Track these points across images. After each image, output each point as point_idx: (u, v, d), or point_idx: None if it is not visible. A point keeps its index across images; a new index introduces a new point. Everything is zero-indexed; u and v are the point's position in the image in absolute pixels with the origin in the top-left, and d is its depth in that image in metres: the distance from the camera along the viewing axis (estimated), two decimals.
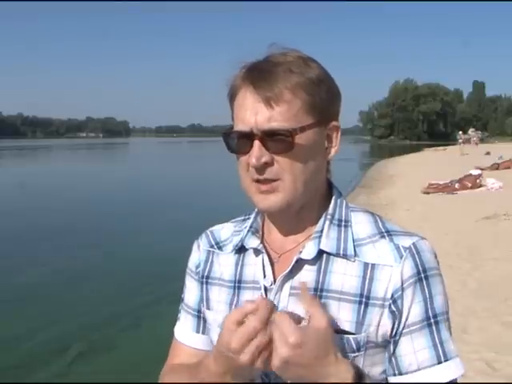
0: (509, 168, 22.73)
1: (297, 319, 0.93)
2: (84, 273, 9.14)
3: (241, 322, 0.91)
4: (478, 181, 16.77)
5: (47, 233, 12.73)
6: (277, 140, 0.97)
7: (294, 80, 0.98)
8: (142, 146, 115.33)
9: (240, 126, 0.99)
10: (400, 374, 1.00)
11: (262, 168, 0.98)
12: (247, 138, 0.99)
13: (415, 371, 0.99)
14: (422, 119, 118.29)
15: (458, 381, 1.02)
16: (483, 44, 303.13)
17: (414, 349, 0.99)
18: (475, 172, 17.44)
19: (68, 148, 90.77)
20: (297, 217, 1.05)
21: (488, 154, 32.27)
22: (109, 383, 5.04)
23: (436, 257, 1.04)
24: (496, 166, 23.18)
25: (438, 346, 0.99)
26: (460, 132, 46.42)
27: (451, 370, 0.99)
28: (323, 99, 1.00)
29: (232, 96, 1.03)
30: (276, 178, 0.99)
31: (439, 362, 0.98)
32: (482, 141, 53.76)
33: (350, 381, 0.92)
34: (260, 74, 0.99)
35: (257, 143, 0.97)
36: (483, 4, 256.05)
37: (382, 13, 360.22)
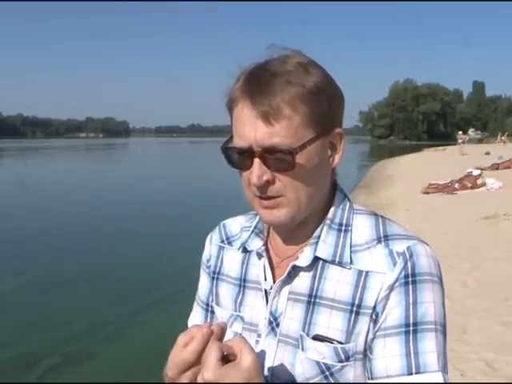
0: (509, 168, 22.73)
1: (227, 353, 0.89)
2: (70, 278, 8.88)
3: (186, 345, 0.89)
4: (478, 181, 16.77)
5: (34, 236, 12.35)
6: (277, 158, 0.94)
7: (292, 92, 0.93)
8: (141, 146, 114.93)
9: (239, 142, 0.96)
10: (371, 377, 0.95)
11: (263, 186, 0.96)
12: (247, 154, 0.95)
13: (384, 378, 0.93)
14: (422, 119, 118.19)
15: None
16: (483, 44, 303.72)
17: (385, 354, 0.94)
18: (475, 172, 17.42)
19: (68, 148, 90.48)
20: (298, 224, 1.03)
21: (488, 153, 32.29)
22: (107, 383, 5.04)
23: (436, 263, 0.98)
24: (496, 166, 23.18)
25: (412, 355, 0.92)
26: (460, 132, 46.42)
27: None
28: (324, 109, 0.96)
29: (230, 108, 0.99)
30: (278, 195, 0.97)
31: (409, 374, 0.91)
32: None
33: None
34: (258, 87, 0.94)
35: (257, 161, 0.94)
36: (483, 4, 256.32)
37: (382, 13, 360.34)
